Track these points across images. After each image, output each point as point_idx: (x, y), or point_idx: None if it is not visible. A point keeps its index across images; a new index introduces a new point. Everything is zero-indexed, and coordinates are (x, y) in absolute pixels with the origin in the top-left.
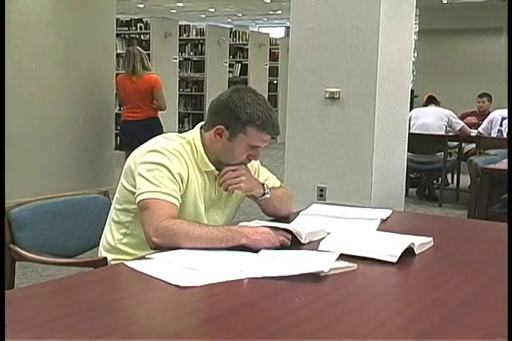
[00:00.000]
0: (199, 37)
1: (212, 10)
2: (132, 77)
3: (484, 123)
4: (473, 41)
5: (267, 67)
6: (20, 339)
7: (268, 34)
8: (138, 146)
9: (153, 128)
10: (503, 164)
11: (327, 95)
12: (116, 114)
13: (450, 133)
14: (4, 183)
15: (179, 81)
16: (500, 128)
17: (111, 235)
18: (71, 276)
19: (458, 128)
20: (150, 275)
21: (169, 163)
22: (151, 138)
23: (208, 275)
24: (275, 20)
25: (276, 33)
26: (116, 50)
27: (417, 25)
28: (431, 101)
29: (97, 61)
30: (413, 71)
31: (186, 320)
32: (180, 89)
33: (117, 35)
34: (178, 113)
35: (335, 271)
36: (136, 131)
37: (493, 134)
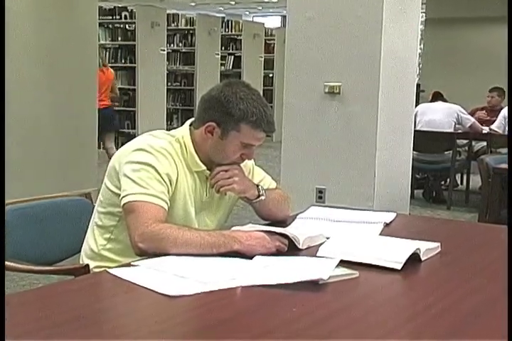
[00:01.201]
0: (188, 27)
1: None
2: (103, 69)
3: (497, 121)
4: (485, 31)
5: (262, 59)
6: None
7: (263, 24)
8: (111, 131)
9: (115, 116)
10: None
11: (326, 90)
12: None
13: (459, 131)
14: (4, 183)
15: (167, 74)
16: None
17: (94, 240)
18: (50, 285)
19: (468, 125)
20: (136, 284)
21: (157, 163)
22: (114, 124)
23: (198, 283)
24: (270, 8)
25: (272, 22)
26: (99, 40)
27: (423, 14)
28: (438, 97)
29: (79, 53)
30: (419, 64)
31: (175, 332)
32: (169, 83)
33: (100, 24)
34: (166, 109)
35: (335, 278)
36: (107, 116)
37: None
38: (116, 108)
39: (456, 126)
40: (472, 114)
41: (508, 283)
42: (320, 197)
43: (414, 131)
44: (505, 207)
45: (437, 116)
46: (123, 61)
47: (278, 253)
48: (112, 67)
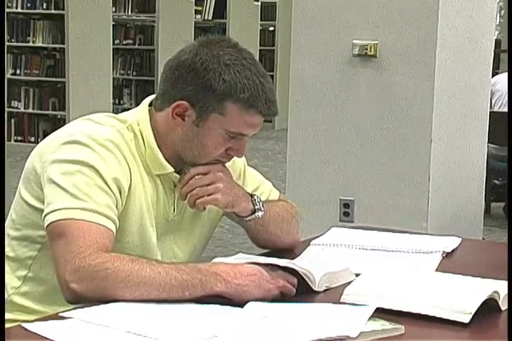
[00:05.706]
0: None
1: None
2: None
3: None
4: None
5: (258, 4)
6: None
7: None
8: None
9: None
10: None
11: (356, 51)
12: (10, 80)
13: None
14: (4, 184)
15: (114, 27)
16: None
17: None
18: None
19: None
20: None
21: (99, 163)
22: None
23: None
24: None
25: None
26: None
27: None
28: None
29: None
30: (500, 9)
31: None
32: (117, 41)
33: None
34: (113, 80)
35: (369, 336)
36: None
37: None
38: (37, 78)
39: None
40: None
41: (508, 282)
42: (346, 214)
43: (491, 113)
44: None
45: None
46: (44, 6)
47: (282, 298)
48: (27, 14)
